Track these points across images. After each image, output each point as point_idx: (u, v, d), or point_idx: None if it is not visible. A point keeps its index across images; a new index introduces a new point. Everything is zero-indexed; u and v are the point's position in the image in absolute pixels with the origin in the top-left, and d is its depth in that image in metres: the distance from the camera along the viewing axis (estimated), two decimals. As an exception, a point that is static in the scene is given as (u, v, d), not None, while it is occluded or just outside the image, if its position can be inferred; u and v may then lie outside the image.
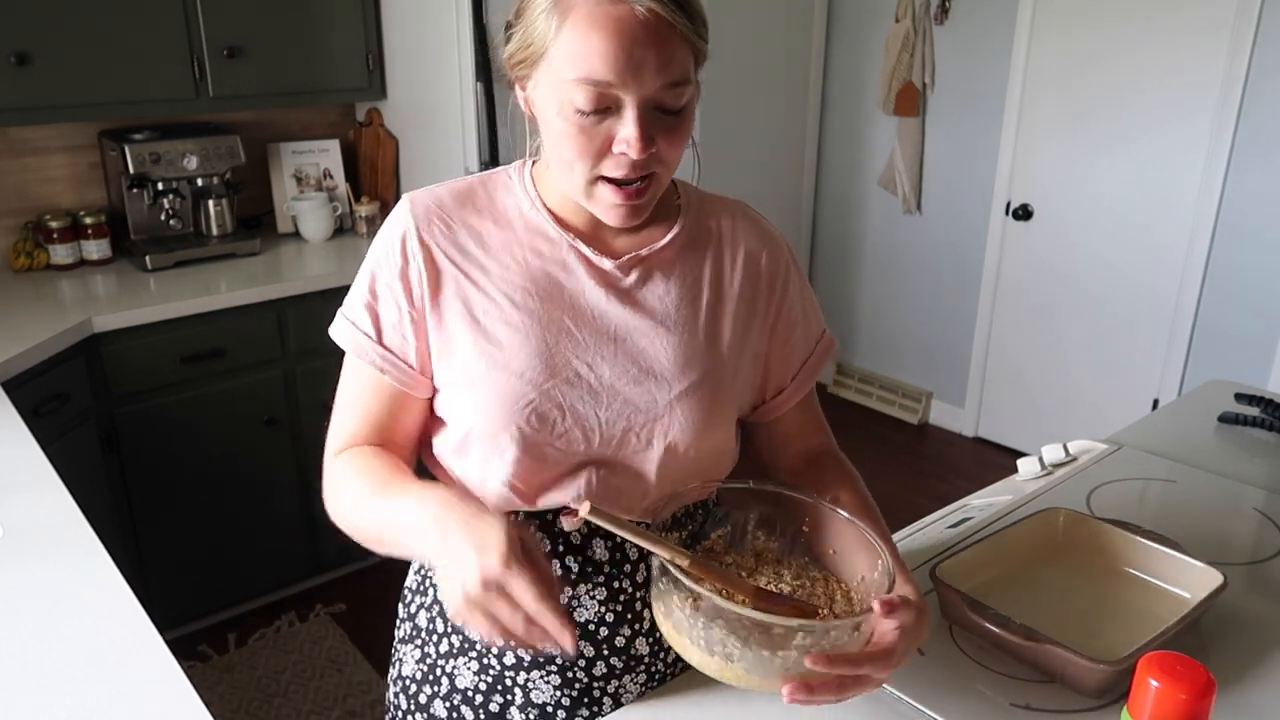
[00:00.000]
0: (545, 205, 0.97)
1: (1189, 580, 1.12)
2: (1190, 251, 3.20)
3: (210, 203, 2.80)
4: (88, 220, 2.68)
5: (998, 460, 3.72)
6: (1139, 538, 1.19)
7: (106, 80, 2.47)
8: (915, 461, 3.84)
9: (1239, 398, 1.76)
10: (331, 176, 3.12)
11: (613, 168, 0.86)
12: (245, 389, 2.54)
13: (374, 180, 3.16)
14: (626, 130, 0.84)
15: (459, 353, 0.94)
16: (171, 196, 2.76)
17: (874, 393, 4.27)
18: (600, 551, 0.99)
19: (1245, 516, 1.40)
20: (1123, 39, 3.22)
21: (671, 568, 0.82)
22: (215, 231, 2.81)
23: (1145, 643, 0.98)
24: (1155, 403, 3.40)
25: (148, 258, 2.64)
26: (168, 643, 1.15)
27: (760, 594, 0.89)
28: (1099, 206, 3.41)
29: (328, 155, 3.12)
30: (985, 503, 1.48)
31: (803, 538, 0.97)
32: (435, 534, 0.81)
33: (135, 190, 2.71)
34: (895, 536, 1.43)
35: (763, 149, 4.06)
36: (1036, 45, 3.44)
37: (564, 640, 0.76)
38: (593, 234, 0.97)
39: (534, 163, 1.00)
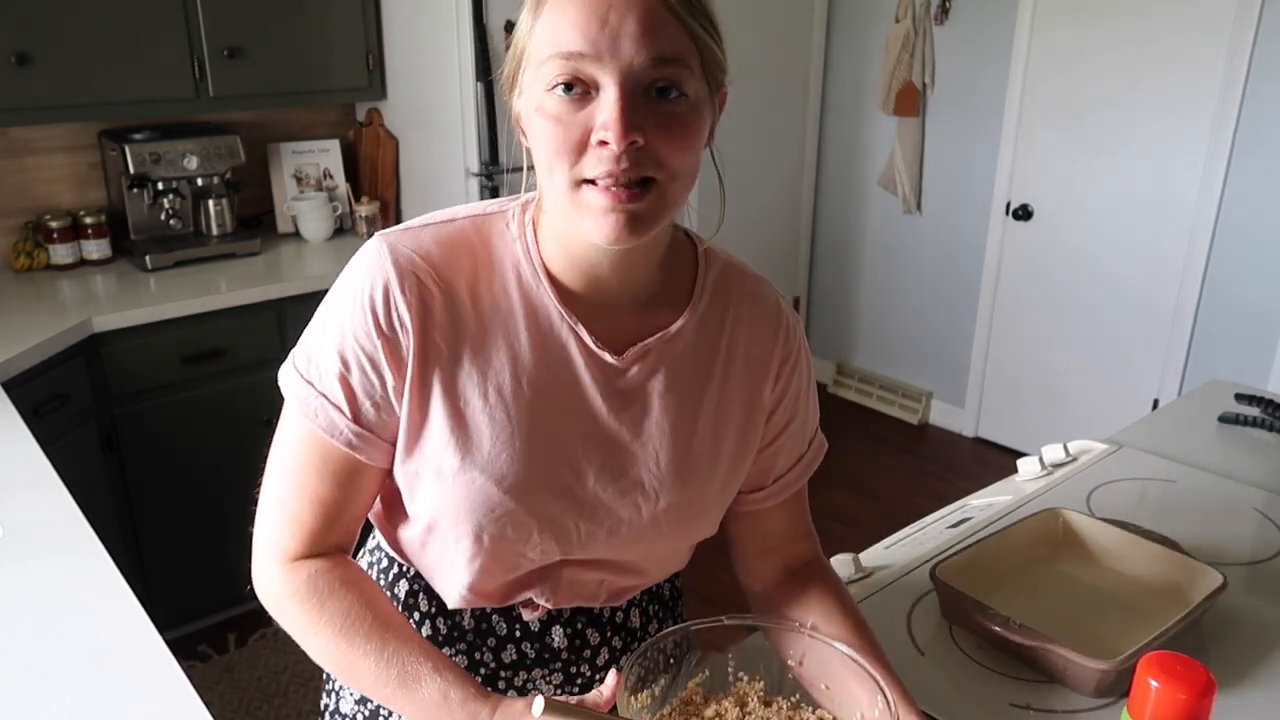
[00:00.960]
0: (545, 265, 0.83)
1: (1189, 580, 1.12)
2: (1190, 251, 3.20)
3: (210, 203, 2.79)
4: (88, 220, 2.67)
5: (998, 460, 3.72)
6: (1139, 538, 1.19)
7: (106, 80, 2.47)
8: (915, 461, 3.84)
9: (1239, 398, 1.76)
10: (331, 176, 3.12)
11: (594, 163, 0.72)
12: (245, 389, 2.54)
13: (374, 180, 3.15)
14: (605, 113, 0.71)
15: (432, 439, 0.82)
16: (171, 196, 2.76)
17: (874, 393, 4.27)
18: (559, 639, 0.94)
19: (1245, 516, 1.40)
20: (1123, 39, 3.22)
21: None
22: (215, 231, 2.81)
23: (1145, 643, 0.98)
24: (1155, 403, 3.40)
25: (148, 258, 2.64)
26: (168, 643, 1.15)
27: None
28: (1099, 207, 3.41)
29: (328, 155, 3.12)
30: (985, 503, 1.48)
31: (790, 673, 0.88)
32: None
33: (135, 190, 2.70)
34: (895, 537, 1.43)
35: (763, 149, 4.06)
36: (1036, 45, 3.44)
37: None
38: (597, 306, 0.84)
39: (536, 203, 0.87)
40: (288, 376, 0.85)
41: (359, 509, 0.87)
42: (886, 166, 3.99)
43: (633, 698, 0.80)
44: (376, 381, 0.81)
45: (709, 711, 0.85)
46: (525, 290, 0.83)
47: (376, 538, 0.99)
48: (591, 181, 0.73)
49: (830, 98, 4.17)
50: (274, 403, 0.85)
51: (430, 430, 0.82)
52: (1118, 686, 0.98)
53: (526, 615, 0.93)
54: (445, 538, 0.85)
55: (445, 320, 0.81)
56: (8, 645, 1.13)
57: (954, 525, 1.39)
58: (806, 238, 4.40)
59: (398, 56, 2.94)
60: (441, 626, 0.94)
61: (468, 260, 0.83)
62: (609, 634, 0.98)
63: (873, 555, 1.34)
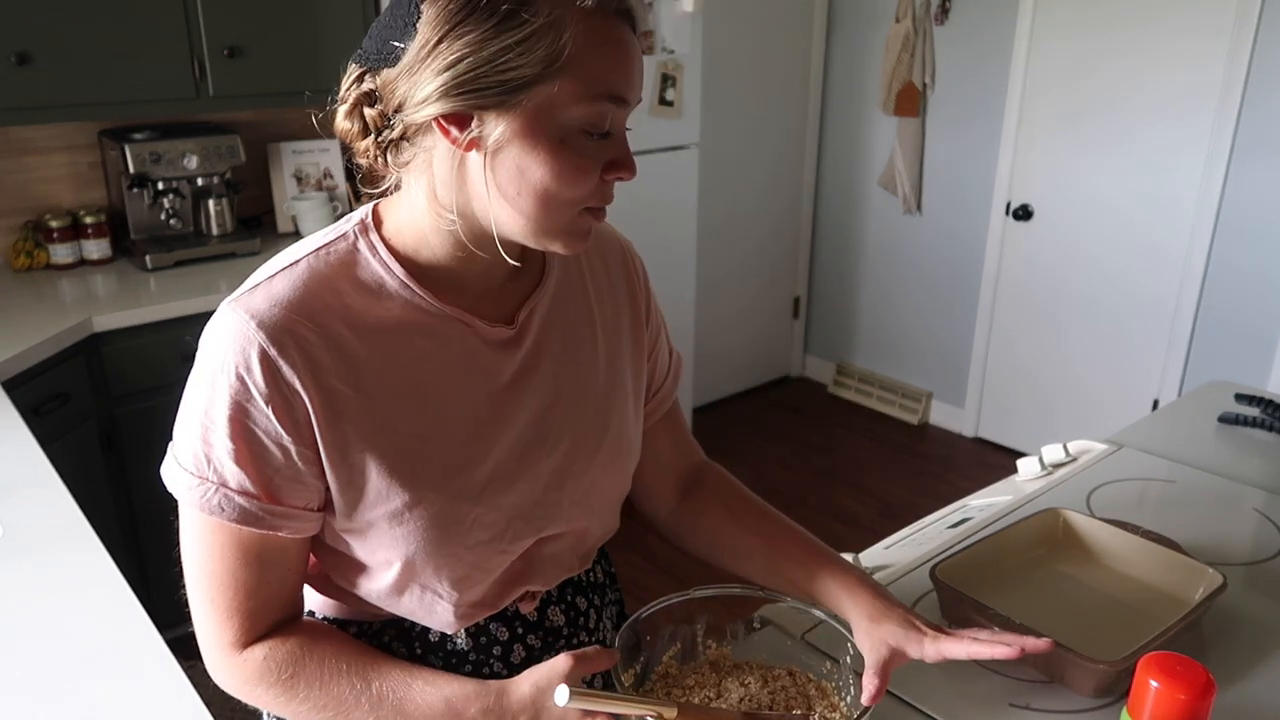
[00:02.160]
0: (411, 273, 0.81)
1: (1189, 580, 1.12)
2: (1190, 251, 3.20)
3: (210, 202, 2.79)
4: (88, 220, 2.67)
5: (998, 460, 3.71)
6: (1139, 538, 1.19)
7: (106, 80, 2.47)
8: (915, 461, 3.84)
9: (1239, 398, 1.76)
10: (332, 176, 3.12)
11: (601, 196, 0.78)
12: (245, 389, 2.53)
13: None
14: (621, 152, 0.78)
15: (373, 484, 0.79)
16: (171, 196, 2.76)
17: (874, 393, 4.27)
18: (557, 617, 0.95)
19: (1245, 516, 1.40)
20: (1123, 40, 3.22)
21: None
22: (215, 231, 2.81)
23: (1145, 643, 0.98)
24: (1155, 403, 3.40)
25: (148, 257, 2.64)
26: (168, 643, 1.15)
27: (750, 719, 0.86)
28: (1099, 207, 3.41)
29: (328, 155, 3.12)
30: (985, 503, 1.48)
31: (755, 635, 0.95)
32: None
33: (135, 190, 2.70)
34: (895, 537, 1.42)
35: (763, 149, 4.06)
36: (1037, 46, 3.44)
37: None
38: (483, 292, 0.85)
39: (373, 216, 0.84)
40: (174, 477, 0.80)
41: (294, 581, 0.85)
42: (886, 166, 3.99)
43: (621, 676, 0.85)
44: (278, 452, 0.76)
45: (689, 680, 0.91)
46: (400, 302, 0.81)
47: (311, 612, 0.95)
48: (589, 209, 0.79)
49: (830, 98, 4.17)
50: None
51: (369, 477, 0.79)
52: (1118, 686, 0.98)
53: (524, 609, 0.93)
54: (424, 571, 0.83)
55: (337, 362, 0.77)
56: (8, 645, 1.13)
57: (954, 525, 1.39)
58: (806, 238, 4.40)
59: (398, 56, 2.93)
60: (435, 664, 0.91)
61: (331, 294, 0.79)
62: (592, 595, 1.01)
63: (873, 555, 1.34)
